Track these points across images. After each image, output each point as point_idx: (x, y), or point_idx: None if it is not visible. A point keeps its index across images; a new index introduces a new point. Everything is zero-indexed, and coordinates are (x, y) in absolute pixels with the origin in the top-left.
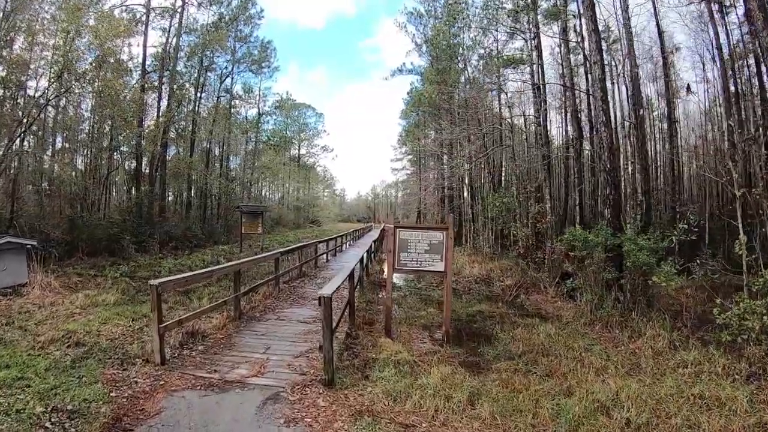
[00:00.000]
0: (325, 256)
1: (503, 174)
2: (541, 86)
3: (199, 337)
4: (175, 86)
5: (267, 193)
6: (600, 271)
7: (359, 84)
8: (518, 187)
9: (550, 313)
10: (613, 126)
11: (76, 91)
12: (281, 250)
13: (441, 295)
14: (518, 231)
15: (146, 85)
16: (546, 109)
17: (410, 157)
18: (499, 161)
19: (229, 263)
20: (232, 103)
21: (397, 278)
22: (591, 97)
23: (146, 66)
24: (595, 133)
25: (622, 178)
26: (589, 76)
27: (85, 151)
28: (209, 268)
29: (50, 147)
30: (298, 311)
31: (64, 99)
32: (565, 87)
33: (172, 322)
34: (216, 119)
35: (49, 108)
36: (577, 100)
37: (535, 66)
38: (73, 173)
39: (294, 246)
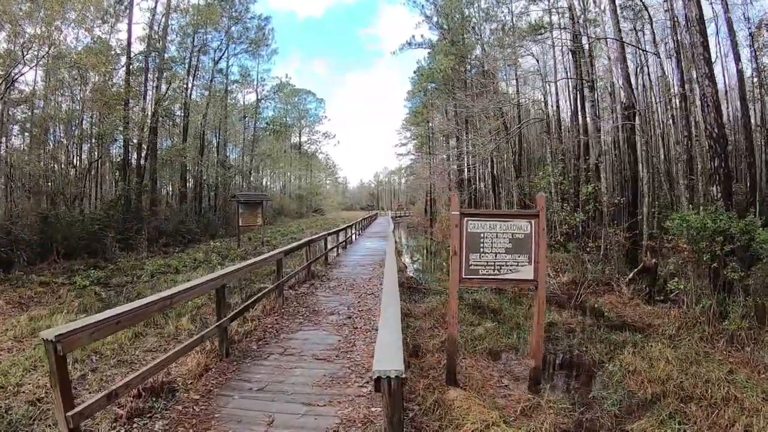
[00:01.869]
0: (335, 250)
1: (524, 153)
2: (578, 50)
3: (163, 397)
4: (164, 67)
5: (268, 183)
6: (721, 266)
7: (360, 73)
8: (566, 165)
9: (637, 322)
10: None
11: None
12: (284, 248)
13: (491, 300)
14: (569, 216)
15: (131, 67)
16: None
17: (415, 141)
18: (518, 141)
19: (205, 279)
20: (229, 88)
21: (409, 269)
22: (660, 54)
23: (131, 48)
24: (649, 98)
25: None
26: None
27: (68, 142)
28: (163, 294)
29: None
30: (310, 336)
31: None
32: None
33: (96, 402)
34: (210, 102)
35: (39, 101)
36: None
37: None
38: (44, 164)
39: (300, 242)
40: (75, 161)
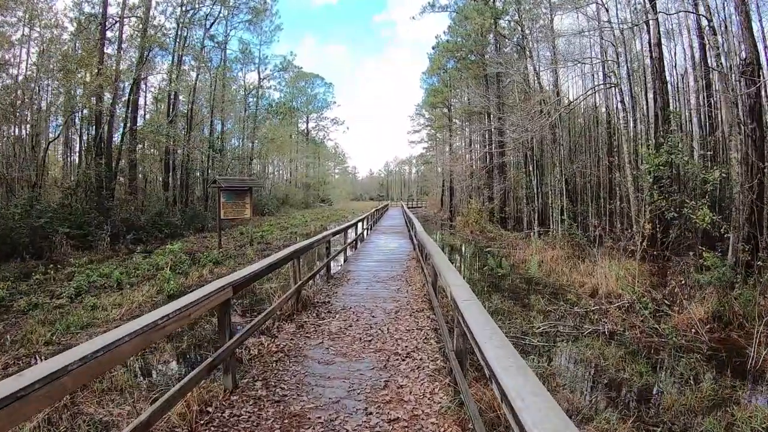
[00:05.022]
0: (343, 253)
1: (559, 139)
2: None
3: None
4: (145, 30)
5: (274, 171)
6: None
7: (373, 60)
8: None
9: None
10: None
11: None
12: (235, 278)
13: (605, 357)
14: (702, 213)
15: (104, 25)
16: None
17: (429, 128)
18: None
19: None
20: (228, 64)
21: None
22: None
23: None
24: None
25: None
26: None
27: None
28: None
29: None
30: None
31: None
32: None
33: None
34: (200, 72)
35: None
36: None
37: None
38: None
39: (282, 255)
40: (32, 141)
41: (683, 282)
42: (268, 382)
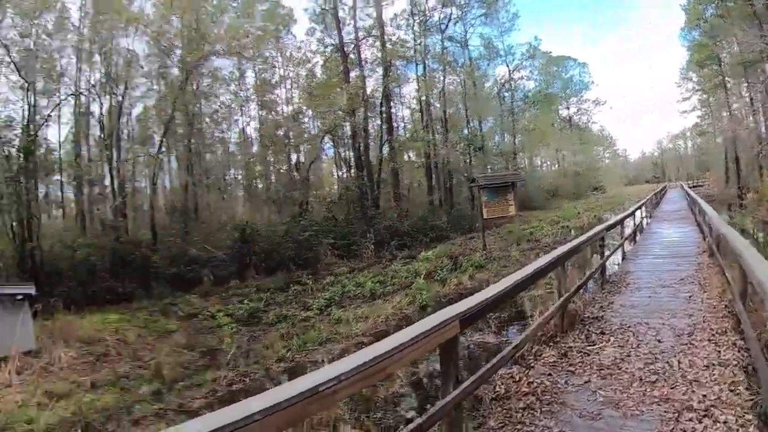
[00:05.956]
0: (620, 249)
1: None
2: None
3: None
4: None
5: (541, 163)
6: None
7: (615, 32)
8: None
9: None
10: None
11: None
12: (481, 299)
13: None
14: None
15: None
16: None
17: (700, 94)
18: None
19: None
20: (472, 63)
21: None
22: None
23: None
24: None
25: None
26: None
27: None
28: None
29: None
30: None
31: None
32: None
33: None
34: (445, 73)
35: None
36: None
37: None
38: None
39: (548, 260)
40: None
41: None
42: None
